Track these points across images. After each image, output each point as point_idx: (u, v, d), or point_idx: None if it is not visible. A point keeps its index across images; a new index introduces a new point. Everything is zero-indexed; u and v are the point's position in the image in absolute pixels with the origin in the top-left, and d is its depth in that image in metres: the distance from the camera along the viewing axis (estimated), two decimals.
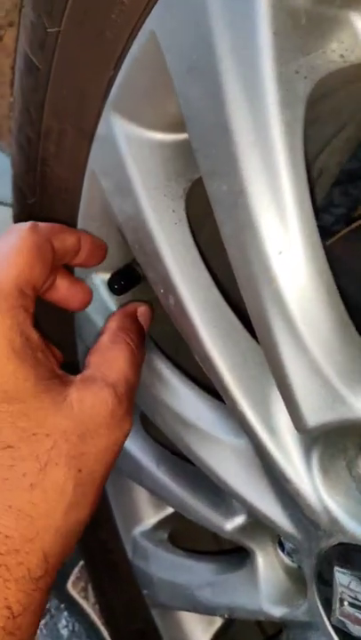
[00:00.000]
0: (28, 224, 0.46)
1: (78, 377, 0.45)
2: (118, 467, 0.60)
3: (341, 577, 0.44)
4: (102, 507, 0.76)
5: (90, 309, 0.55)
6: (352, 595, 0.44)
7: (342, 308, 0.36)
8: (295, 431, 0.41)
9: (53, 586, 0.42)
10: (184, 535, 0.76)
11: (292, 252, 0.34)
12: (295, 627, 0.56)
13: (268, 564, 0.56)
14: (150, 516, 0.76)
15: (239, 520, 0.55)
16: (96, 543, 0.83)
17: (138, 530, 0.77)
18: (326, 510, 0.42)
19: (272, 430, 0.43)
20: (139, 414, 0.65)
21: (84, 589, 1.02)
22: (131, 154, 0.45)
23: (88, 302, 0.53)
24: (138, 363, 0.48)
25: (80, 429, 0.42)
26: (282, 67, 0.32)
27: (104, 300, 0.56)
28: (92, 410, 0.43)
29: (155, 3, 0.37)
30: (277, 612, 0.54)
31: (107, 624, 0.94)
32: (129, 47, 0.41)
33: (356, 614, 0.44)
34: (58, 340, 0.51)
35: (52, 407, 0.42)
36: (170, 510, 0.75)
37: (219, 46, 0.33)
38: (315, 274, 0.35)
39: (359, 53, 0.33)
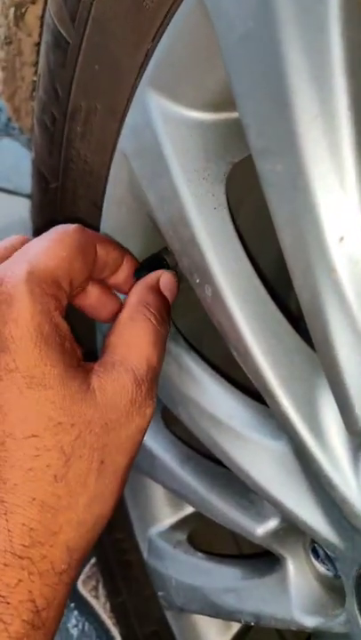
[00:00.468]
0: (75, 225, 0.46)
1: (98, 362, 0.44)
2: (137, 464, 0.58)
3: None
4: (118, 505, 0.74)
5: None
6: None
7: None
8: (344, 435, 0.38)
9: None
10: (202, 537, 0.73)
11: (354, 238, 0.31)
12: (326, 637, 0.54)
13: (299, 572, 0.54)
14: (168, 516, 0.74)
15: (272, 524, 0.53)
16: (110, 542, 0.81)
17: (154, 530, 0.75)
18: None
19: (318, 433, 0.40)
20: (160, 409, 0.62)
21: (95, 589, 1.00)
22: (168, 134, 0.42)
23: (117, 314, 0.50)
24: (161, 340, 0.46)
25: (103, 420, 0.41)
26: (352, 32, 0.29)
27: None
28: (113, 399, 0.42)
29: None
30: (310, 621, 0.52)
31: (119, 625, 0.92)
32: (171, 16, 0.38)
33: None
34: (77, 332, 0.49)
35: (77, 396, 0.41)
36: (189, 511, 0.73)
37: (281, 11, 0.30)
38: None
39: None
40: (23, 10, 0.61)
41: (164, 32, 0.39)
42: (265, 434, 0.47)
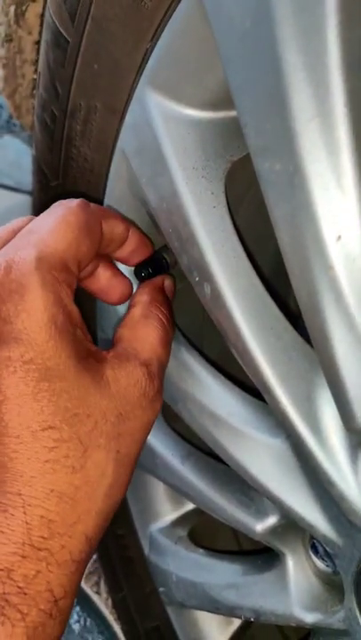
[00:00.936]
0: (79, 200, 0.45)
1: (111, 353, 0.44)
2: (138, 461, 0.58)
3: None
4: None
5: None
6: None
7: None
8: (342, 432, 0.38)
9: None
10: (203, 533, 0.74)
11: (351, 236, 0.32)
12: (326, 633, 0.54)
13: (299, 568, 0.54)
14: (169, 513, 0.74)
15: (271, 521, 0.53)
16: (112, 538, 0.81)
17: (155, 526, 0.75)
18: None
19: (316, 430, 0.40)
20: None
21: (97, 584, 1.00)
22: (167, 132, 0.42)
23: (128, 296, 0.50)
24: (169, 339, 0.47)
25: (117, 410, 0.42)
26: (349, 32, 0.29)
27: None
28: (127, 390, 0.42)
29: None
30: (310, 617, 0.52)
31: (120, 620, 0.92)
32: (170, 16, 0.38)
33: None
34: None
35: (91, 386, 0.41)
36: (189, 507, 0.73)
37: (279, 11, 0.30)
38: None
39: None
40: (24, 8, 0.61)
41: (162, 31, 0.39)
42: (264, 431, 0.47)
